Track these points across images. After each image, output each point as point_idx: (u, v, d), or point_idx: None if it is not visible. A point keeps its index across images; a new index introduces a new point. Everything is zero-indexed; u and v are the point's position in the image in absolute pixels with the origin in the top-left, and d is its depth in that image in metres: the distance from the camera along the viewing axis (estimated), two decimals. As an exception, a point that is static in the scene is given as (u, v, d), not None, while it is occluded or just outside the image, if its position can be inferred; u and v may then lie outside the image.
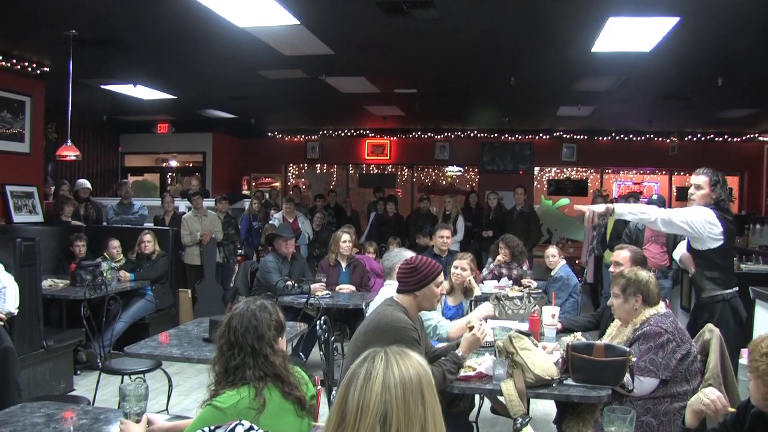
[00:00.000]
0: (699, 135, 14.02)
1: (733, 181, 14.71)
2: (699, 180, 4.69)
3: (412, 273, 3.67)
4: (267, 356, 2.52)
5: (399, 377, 1.71)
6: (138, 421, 2.57)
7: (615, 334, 4.00)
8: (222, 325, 2.59)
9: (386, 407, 1.67)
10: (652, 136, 14.11)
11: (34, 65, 8.44)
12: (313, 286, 6.66)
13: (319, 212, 11.56)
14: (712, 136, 14.00)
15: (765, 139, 13.77)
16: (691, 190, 4.77)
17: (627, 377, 3.41)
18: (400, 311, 3.61)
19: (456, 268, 5.66)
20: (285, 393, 2.50)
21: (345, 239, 7.28)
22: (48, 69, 8.58)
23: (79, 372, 6.87)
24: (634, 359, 3.45)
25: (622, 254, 4.92)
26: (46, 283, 6.83)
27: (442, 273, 3.77)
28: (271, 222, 10.43)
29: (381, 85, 9.65)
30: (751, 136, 13.86)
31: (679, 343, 3.52)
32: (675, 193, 14.89)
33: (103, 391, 5.77)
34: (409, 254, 4.99)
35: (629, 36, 6.60)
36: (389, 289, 4.70)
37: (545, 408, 5.50)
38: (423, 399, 1.70)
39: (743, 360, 4.12)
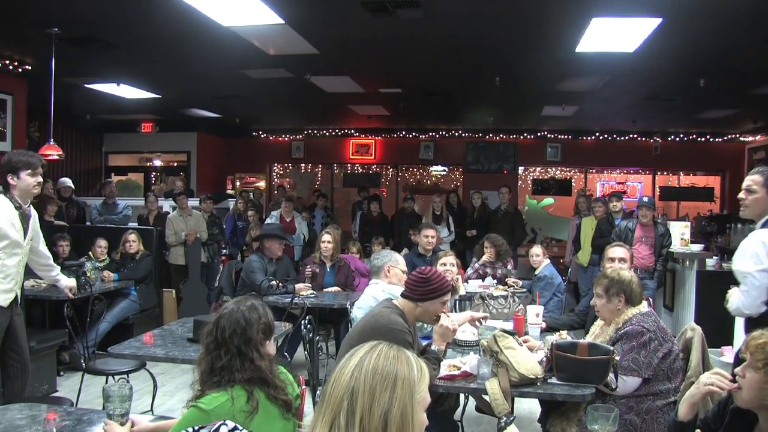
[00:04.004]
0: (682, 135, 14.14)
1: (714, 181, 14.85)
2: (750, 180, 3.75)
3: (422, 283, 3.62)
4: (253, 360, 2.50)
5: (375, 363, 1.77)
6: (122, 423, 2.55)
7: (598, 333, 4.03)
8: (210, 323, 2.57)
9: (355, 384, 1.74)
10: (635, 136, 14.22)
11: (16, 63, 8.37)
12: (297, 286, 6.66)
13: (305, 212, 11.59)
14: (694, 136, 14.12)
15: (746, 139, 13.90)
16: (741, 195, 3.81)
17: (611, 376, 3.43)
18: (398, 314, 3.60)
19: (444, 265, 5.67)
20: (271, 396, 2.49)
21: (324, 239, 7.26)
22: (30, 67, 8.51)
23: (62, 373, 6.83)
24: (617, 358, 3.47)
25: (619, 252, 4.99)
26: (29, 283, 6.77)
27: (450, 292, 3.75)
28: (268, 220, 10.43)
29: (366, 84, 9.65)
30: (733, 136, 13.98)
31: (661, 342, 3.55)
32: (658, 193, 15.01)
33: (87, 392, 5.74)
34: (398, 257, 5.01)
35: (613, 36, 6.64)
36: (375, 288, 4.70)
37: (530, 407, 5.53)
38: (393, 390, 1.73)
39: (724, 357, 4.15)
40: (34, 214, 4.76)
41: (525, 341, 4.00)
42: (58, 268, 5.36)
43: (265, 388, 2.49)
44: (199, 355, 2.59)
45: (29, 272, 6.73)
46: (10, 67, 8.34)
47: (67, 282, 5.33)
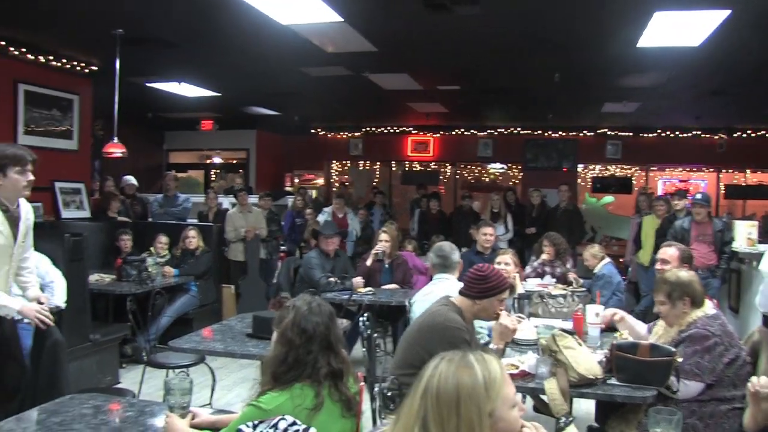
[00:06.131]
0: (749, 131, 13.70)
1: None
2: None
3: (480, 281, 3.59)
4: (338, 353, 2.55)
5: (437, 387, 1.79)
6: (183, 415, 2.59)
7: (662, 334, 3.90)
8: (291, 318, 2.56)
9: (425, 413, 1.78)
10: (699, 132, 13.83)
11: (83, 64, 8.61)
12: (354, 280, 6.68)
13: (362, 209, 11.62)
14: (762, 132, 13.65)
15: (817, 135, 13.42)
16: None
17: (672, 379, 3.35)
18: (455, 312, 3.57)
19: (499, 264, 5.61)
20: (339, 391, 2.50)
21: (381, 237, 7.25)
22: (95, 68, 8.75)
23: (124, 365, 6.98)
24: (680, 360, 3.38)
25: (669, 252, 4.80)
26: (93, 277, 6.96)
27: (508, 290, 3.71)
28: (320, 217, 10.50)
29: (424, 81, 9.63)
30: (804, 132, 13.52)
31: (727, 347, 3.42)
32: (723, 191, 14.62)
33: (148, 384, 5.85)
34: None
35: (676, 30, 6.47)
36: (448, 285, 4.56)
37: (588, 407, 5.43)
38: (458, 411, 1.76)
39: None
40: (25, 212, 4.04)
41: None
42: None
43: (338, 381, 2.51)
44: (273, 349, 2.58)
45: (92, 266, 6.94)
46: (77, 68, 8.57)
47: (27, 305, 4.06)
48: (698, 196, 8.01)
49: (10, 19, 6.86)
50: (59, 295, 5.18)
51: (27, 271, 4.24)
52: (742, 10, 5.79)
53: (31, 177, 3.86)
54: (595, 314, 4.71)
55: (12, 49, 7.61)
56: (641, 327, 4.38)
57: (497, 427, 1.81)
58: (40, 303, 4.13)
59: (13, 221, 3.89)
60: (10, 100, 7.75)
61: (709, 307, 3.69)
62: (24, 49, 7.76)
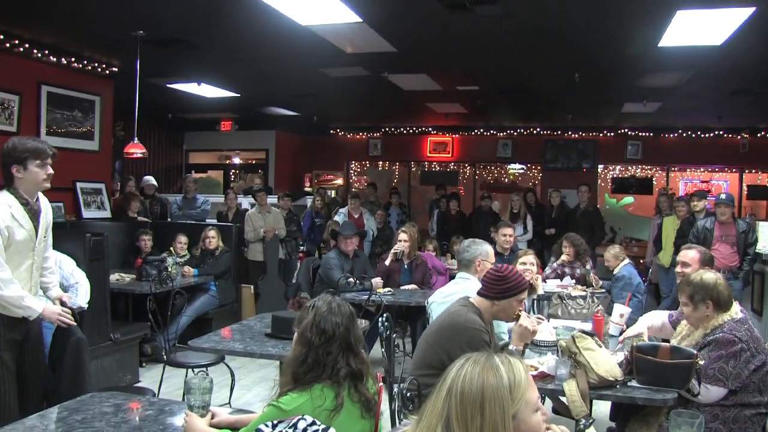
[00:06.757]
0: (772, 131, 13.54)
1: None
2: None
3: (498, 281, 3.57)
4: (357, 354, 2.55)
5: (461, 387, 1.79)
6: (202, 414, 2.60)
7: (686, 334, 3.84)
8: (311, 319, 2.55)
9: (448, 412, 1.78)
10: (721, 132, 13.68)
11: (104, 66, 8.66)
12: (374, 280, 6.67)
13: (380, 210, 11.61)
14: (786, 132, 13.49)
15: (842, 136, 13.23)
16: None
17: (693, 381, 3.32)
18: (475, 313, 3.55)
19: (524, 264, 5.59)
20: (358, 392, 2.50)
21: (401, 237, 7.24)
22: (116, 69, 8.80)
23: (144, 364, 7.02)
24: (701, 362, 3.35)
25: (689, 254, 4.74)
26: (113, 277, 7.00)
27: (527, 290, 3.70)
28: (336, 217, 10.51)
29: (443, 82, 9.61)
30: (828, 132, 13.33)
31: (754, 353, 3.37)
32: (746, 192, 14.46)
33: (168, 383, 5.89)
34: (489, 249, 4.87)
35: (699, 29, 6.39)
36: (468, 284, 4.53)
37: (607, 409, 5.40)
38: (482, 412, 1.75)
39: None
40: (45, 205, 4.03)
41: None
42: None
43: (358, 382, 2.51)
44: (293, 350, 2.57)
45: (113, 266, 6.98)
46: (98, 69, 8.63)
47: (50, 307, 4.05)
48: (722, 195, 7.94)
49: (33, 21, 6.92)
50: (82, 297, 5.22)
51: (48, 272, 4.25)
52: (767, 8, 5.70)
53: (51, 171, 3.88)
54: (620, 315, 4.69)
55: (36, 51, 7.68)
56: (659, 319, 4.34)
57: (519, 429, 1.80)
58: (63, 303, 4.20)
59: (34, 215, 3.89)
60: (34, 102, 7.81)
61: (736, 311, 3.61)
62: (47, 51, 7.83)
